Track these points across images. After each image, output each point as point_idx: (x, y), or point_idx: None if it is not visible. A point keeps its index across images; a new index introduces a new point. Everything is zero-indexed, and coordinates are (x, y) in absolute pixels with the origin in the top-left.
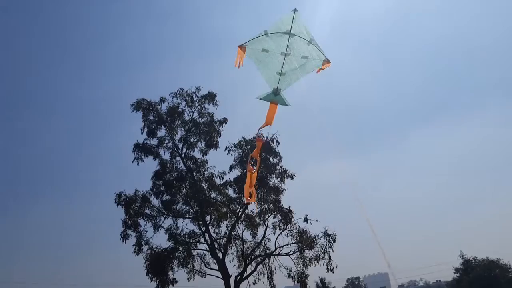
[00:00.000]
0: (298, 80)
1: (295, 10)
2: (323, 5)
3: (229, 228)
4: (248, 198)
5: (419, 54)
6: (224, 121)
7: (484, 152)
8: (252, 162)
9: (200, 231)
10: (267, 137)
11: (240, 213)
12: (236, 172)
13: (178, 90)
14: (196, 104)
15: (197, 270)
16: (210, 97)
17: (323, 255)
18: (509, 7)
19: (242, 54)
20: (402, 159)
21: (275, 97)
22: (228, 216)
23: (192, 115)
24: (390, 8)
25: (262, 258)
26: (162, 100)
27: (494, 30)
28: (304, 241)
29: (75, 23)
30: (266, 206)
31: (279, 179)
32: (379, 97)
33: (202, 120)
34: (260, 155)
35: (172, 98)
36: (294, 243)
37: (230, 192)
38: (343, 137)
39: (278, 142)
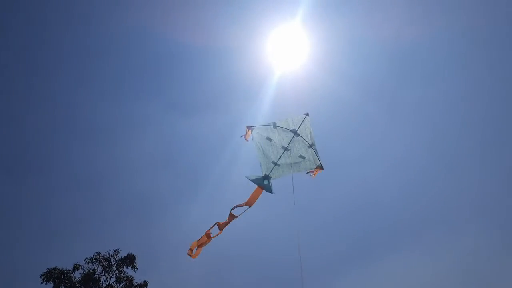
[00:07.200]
0: (288, 175)
1: (307, 114)
2: None
3: None
4: (191, 252)
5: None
6: (144, 284)
7: None
8: (211, 231)
9: None
10: None
11: None
12: None
13: (94, 255)
14: (114, 269)
15: None
16: (130, 260)
17: None
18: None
19: (249, 133)
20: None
21: (263, 183)
22: None
23: (109, 281)
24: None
25: None
26: (76, 267)
27: None
28: None
29: None
30: None
31: None
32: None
33: (120, 285)
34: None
35: (87, 264)
36: None
37: None
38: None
39: None
